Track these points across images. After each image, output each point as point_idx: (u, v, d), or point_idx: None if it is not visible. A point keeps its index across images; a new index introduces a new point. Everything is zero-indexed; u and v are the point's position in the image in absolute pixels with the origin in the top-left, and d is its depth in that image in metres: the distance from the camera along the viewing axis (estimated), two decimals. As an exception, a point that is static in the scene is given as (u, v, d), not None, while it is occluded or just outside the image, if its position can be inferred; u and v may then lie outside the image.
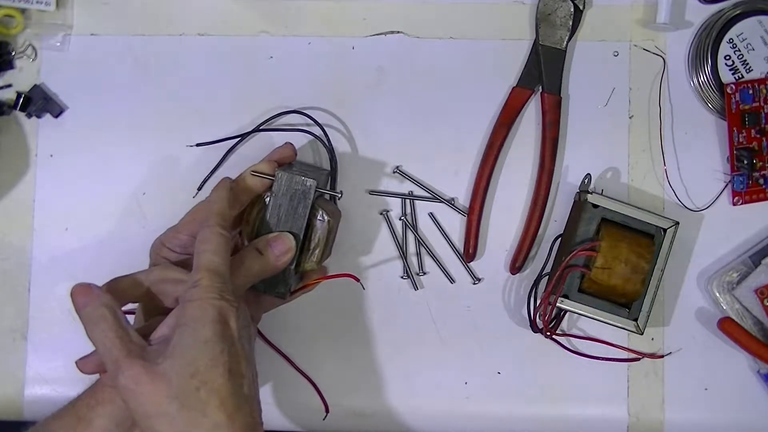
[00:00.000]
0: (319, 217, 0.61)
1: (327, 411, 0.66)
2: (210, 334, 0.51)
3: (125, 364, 0.50)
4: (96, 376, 0.58)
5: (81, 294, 0.54)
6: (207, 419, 0.49)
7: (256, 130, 0.67)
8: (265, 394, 0.67)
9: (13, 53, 0.68)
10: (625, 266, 0.62)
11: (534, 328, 0.65)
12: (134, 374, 0.50)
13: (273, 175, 0.60)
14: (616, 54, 0.68)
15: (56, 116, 0.68)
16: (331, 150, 0.66)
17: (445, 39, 0.68)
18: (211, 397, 0.50)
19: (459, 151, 0.68)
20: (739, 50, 0.66)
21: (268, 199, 0.60)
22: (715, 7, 0.67)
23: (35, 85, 0.68)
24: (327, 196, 0.64)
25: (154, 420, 0.50)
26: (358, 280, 0.64)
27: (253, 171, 0.61)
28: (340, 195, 0.63)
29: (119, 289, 0.56)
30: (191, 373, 0.50)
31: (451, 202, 0.67)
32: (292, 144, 0.64)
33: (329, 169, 0.66)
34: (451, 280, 0.67)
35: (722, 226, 0.67)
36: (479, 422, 0.66)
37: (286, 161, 0.63)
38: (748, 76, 0.66)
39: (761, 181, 0.66)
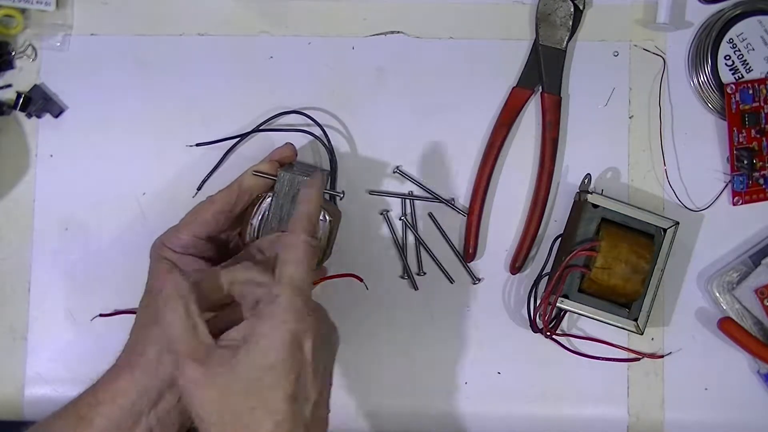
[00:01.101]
0: (320, 218, 0.61)
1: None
2: (278, 360, 0.48)
3: (186, 365, 0.50)
4: (96, 375, 0.58)
5: (161, 277, 0.53)
6: None
7: (256, 130, 0.67)
8: (265, 394, 0.67)
9: (13, 53, 0.68)
10: (625, 266, 0.62)
11: (534, 328, 0.65)
12: (193, 378, 0.49)
13: (274, 175, 0.60)
14: (616, 54, 0.68)
15: (56, 116, 0.68)
16: (331, 150, 0.66)
17: (445, 39, 0.68)
18: (266, 419, 0.48)
19: (459, 151, 0.68)
20: (739, 50, 0.66)
21: (269, 199, 0.60)
22: (715, 7, 0.67)
23: (35, 85, 0.68)
24: (328, 197, 0.64)
25: (206, 424, 0.49)
26: (361, 279, 0.64)
27: (254, 171, 0.60)
28: (341, 195, 0.63)
29: (201, 289, 0.53)
30: (251, 392, 0.48)
31: (451, 202, 0.67)
32: (292, 144, 0.64)
33: (329, 169, 0.66)
34: (451, 280, 0.67)
35: (722, 226, 0.67)
36: (479, 422, 0.66)
37: (286, 161, 0.63)
38: (748, 76, 0.66)
39: (761, 181, 0.66)
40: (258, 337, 0.49)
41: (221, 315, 0.54)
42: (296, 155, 0.63)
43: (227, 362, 0.49)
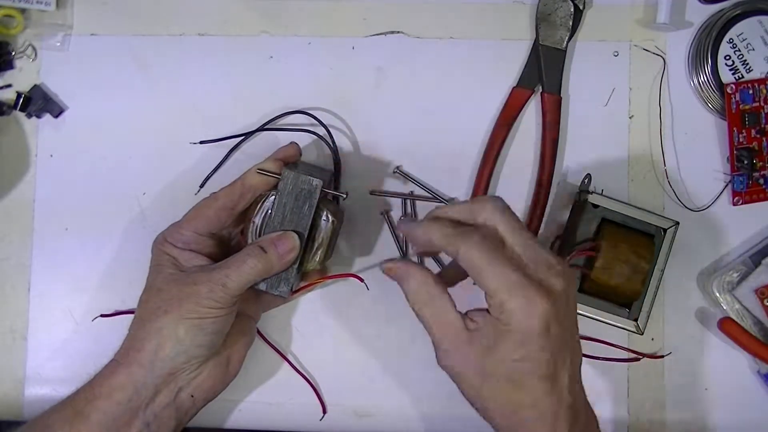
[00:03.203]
0: (323, 218, 0.61)
1: (324, 411, 0.67)
2: (528, 352, 0.50)
3: (446, 357, 0.52)
4: (93, 372, 0.58)
5: (397, 273, 0.54)
6: (517, 415, 0.51)
7: (262, 128, 0.67)
8: (264, 394, 0.67)
9: (13, 53, 0.68)
10: (625, 266, 0.62)
11: (534, 328, 0.65)
12: (453, 366, 0.52)
13: (279, 174, 0.60)
14: (616, 54, 0.68)
15: (56, 116, 0.68)
16: (335, 150, 0.66)
17: (445, 39, 0.68)
18: (526, 397, 0.51)
19: (459, 151, 0.68)
20: (739, 50, 0.66)
21: (273, 197, 0.60)
22: (715, 7, 0.67)
23: (35, 85, 0.68)
24: (330, 197, 0.64)
25: (470, 395, 0.53)
26: (362, 280, 0.64)
27: (259, 169, 0.60)
28: (345, 196, 0.62)
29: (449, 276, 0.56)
30: (509, 378, 0.51)
31: (451, 203, 0.67)
32: (297, 143, 0.64)
33: (332, 169, 0.66)
34: (452, 280, 0.67)
35: (722, 226, 0.67)
36: (479, 422, 0.66)
37: (290, 160, 0.63)
38: (748, 76, 0.66)
39: (761, 181, 0.66)
40: (510, 332, 0.50)
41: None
42: (300, 155, 0.63)
43: (488, 350, 0.51)
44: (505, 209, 0.53)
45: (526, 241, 0.52)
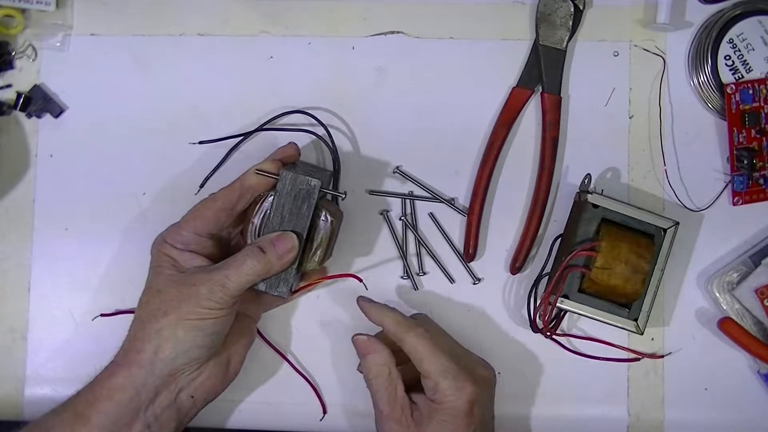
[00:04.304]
0: (322, 218, 0.61)
1: (324, 411, 0.67)
2: (454, 428, 0.58)
3: (387, 425, 0.59)
4: (93, 372, 0.58)
5: (364, 345, 0.61)
6: None
7: (261, 129, 0.67)
8: (264, 394, 0.67)
9: (13, 53, 0.68)
10: (625, 266, 0.62)
11: (534, 328, 0.65)
12: None
13: (277, 174, 0.60)
14: (616, 54, 0.68)
15: (56, 116, 0.68)
16: (334, 150, 0.66)
17: (445, 39, 0.68)
18: None
19: (459, 151, 0.68)
20: (739, 50, 0.66)
21: (272, 197, 0.60)
22: (715, 7, 0.67)
23: (35, 85, 0.68)
24: (330, 197, 0.64)
25: None
26: (360, 280, 0.64)
27: (257, 169, 0.60)
28: (344, 196, 0.62)
29: (388, 342, 0.61)
30: None
31: (451, 202, 0.67)
32: (295, 143, 0.64)
33: (332, 169, 0.66)
34: (451, 280, 0.67)
35: (722, 226, 0.67)
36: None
37: (289, 161, 0.63)
38: (748, 76, 0.66)
39: (761, 181, 0.66)
40: (436, 418, 0.58)
41: (405, 368, 0.61)
42: (299, 155, 0.63)
43: (419, 426, 0.58)
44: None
45: (456, 343, 0.63)
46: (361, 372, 0.62)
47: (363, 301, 0.62)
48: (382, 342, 0.61)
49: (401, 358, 0.61)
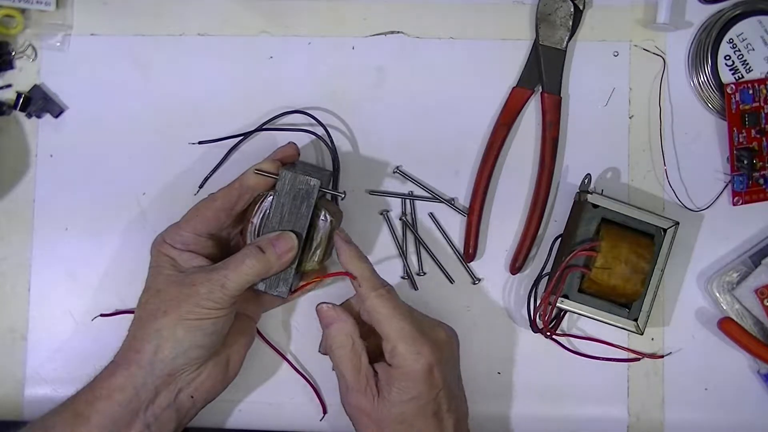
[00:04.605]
0: (321, 217, 0.61)
1: (324, 411, 0.67)
2: (416, 393, 0.57)
3: (352, 396, 0.59)
4: (93, 372, 0.58)
5: (328, 315, 0.60)
6: None
7: (260, 129, 0.67)
8: (264, 394, 0.67)
9: (13, 53, 0.68)
10: (625, 266, 0.62)
11: (534, 328, 0.65)
12: (357, 406, 0.59)
13: (276, 174, 0.60)
14: (616, 54, 0.68)
15: (56, 116, 0.68)
16: (334, 150, 0.66)
17: (445, 39, 0.68)
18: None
19: (459, 151, 0.68)
20: (739, 50, 0.66)
21: (271, 197, 0.60)
22: (715, 7, 0.67)
23: (35, 85, 0.68)
24: (329, 197, 0.64)
25: None
26: (354, 278, 0.64)
27: (256, 169, 0.60)
28: (343, 195, 0.62)
29: (354, 314, 0.61)
30: (400, 420, 0.57)
31: (451, 202, 0.67)
32: (295, 143, 0.64)
33: (331, 169, 0.66)
34: (451, 280, 0.67)
35: (722, 226, 0.67)
36: (479, 422, 0.66)
37: (289, 160, 0.63)
38: (748, 76, 0.66)
39: (761, 181, 0.66)
40: (394, 379, 0.57)
41: (370, 341, 0.60)
42: (299, 155, 0.63)
43: (381, 393, 0.58)
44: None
45: (416, 310, 0.61)
46: (323, 354, 0.61)
47: (340, 236, 0.61)
48: (347, 312, 0.60)
49: (366, 332, 0.60)
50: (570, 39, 0.67)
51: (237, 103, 0.68)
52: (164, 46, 0.69)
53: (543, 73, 0.67)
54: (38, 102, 0.68)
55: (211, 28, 0.69)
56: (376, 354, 0.60)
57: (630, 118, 0.67)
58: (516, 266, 0.67)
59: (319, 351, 0.62)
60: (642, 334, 0.63)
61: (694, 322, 0.67)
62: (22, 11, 0.67)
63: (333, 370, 0.60)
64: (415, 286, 0.67)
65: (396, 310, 0.58)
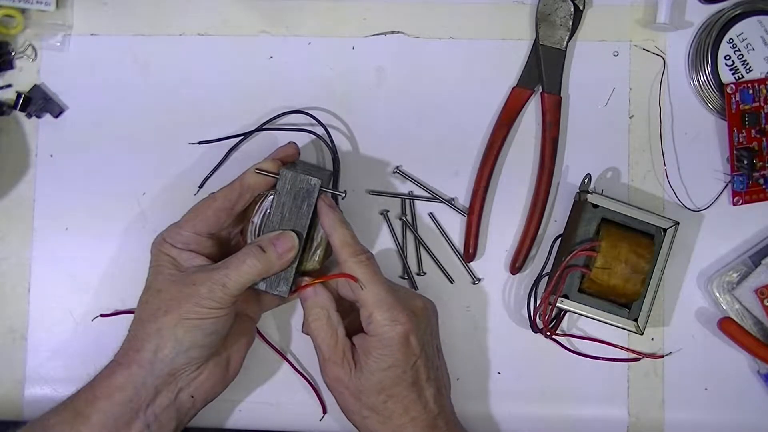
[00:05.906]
0: (321, 218, 0.61)
1: (324, 411, 0.67)
2: (393, 361, 0.57)
3: (329, 368, 0.59)
4: (93, 372, 0.58)
5: (305, 291, 0.60)
6: (392, 422, 0.58)
7: (260, 128, 0.67)
8: (264, 394, 0.67)
9: (13, 53, 0.68)
10: (625, 266, 0.62)
11: (534, 328, 0.65)
12: (335, 377, 0.59)
13: (277, 174, 0.60)
14: (616, 54, 0.68)
15: (56, 116, 0.68)
16: (334, 150, 0.66)
17: (445, 39, 0.68)
18: (397, 405, 0.58)
19: (459, 151, 0.68)
20: (739, 50, 0.66)
21: (271, 197, 0.60)
22: (715, 7, 0.67)
23: (35, 85, 0.68)
24: (330, 196, 0.64)
25: (350, 414, 0.60)
26: (356, 280, 0.64)
27: (257, 169, 0.61)
28: (344, 195, 0.62)
29: (333, 291, 0.61)
30: (379, 390, 0.58)
31: (451, 202, 0.67)
32: (295, 143, 0.64)
33: (332, 169, 0.66)
34: (451, 280, 0.67)
35: (722, 226, 0.67)
36: (479, 422, 0.66)
37: (289, 160, 0.63)
38: (748, 76, 0.66)
39: (761, 181, 0.66)
40: (371, 348, 0.58)
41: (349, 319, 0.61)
42: (299, 154, 0.63)
43: (359, 363, 0.58)
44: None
45: (393, 282, 0.63)
46: (305, 333, 0.61)
47: (324, 201, 0.61)
48: (322, 286, 0.61)
49: (346, 310, 0.61)
50: (570, 39, 0.67)
51: (237, 103, 0.68)
52: (164, 46, 0.69)
53: (543, 73, 0.67)
54: (38, 102, 0.68)
55: (211, 28, 0.69)
56: (356, 330, 0.60)
57: (630, 118, 0.67)
58: (516, 266, 0.67)
59: (302, 331, 0.62)
60: (642, 334, 0.63)
61: (694, 322, 0.67)
62: (22, 11, 0.67)
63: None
64: (415, 286, 0.67)
65: (374, 277, 0.59)
